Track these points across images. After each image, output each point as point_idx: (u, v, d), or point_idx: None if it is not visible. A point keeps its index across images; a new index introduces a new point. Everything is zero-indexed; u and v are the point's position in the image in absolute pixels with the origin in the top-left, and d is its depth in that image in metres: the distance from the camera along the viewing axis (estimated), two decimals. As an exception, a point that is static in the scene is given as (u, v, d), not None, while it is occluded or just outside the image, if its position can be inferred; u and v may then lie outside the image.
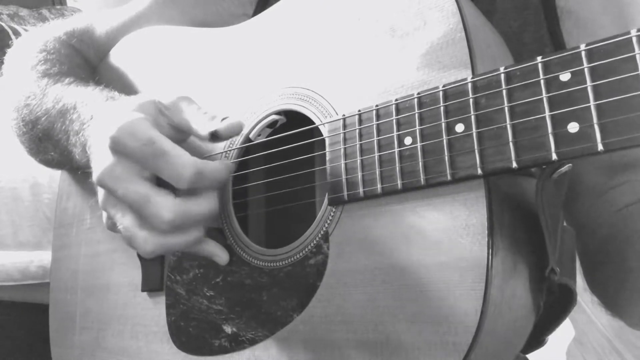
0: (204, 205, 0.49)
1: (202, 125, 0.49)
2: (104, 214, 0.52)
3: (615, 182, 0.59)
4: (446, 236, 0.40)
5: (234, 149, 0.58)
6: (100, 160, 0.48)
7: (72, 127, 0.59)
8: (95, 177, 0.49)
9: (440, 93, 0.41)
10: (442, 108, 0.41)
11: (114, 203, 0.49)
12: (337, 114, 0.49)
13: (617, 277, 0.55)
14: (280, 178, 0.55)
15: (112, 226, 0.50)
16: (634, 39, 0.33)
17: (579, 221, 0.61)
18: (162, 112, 0.50)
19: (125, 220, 0.48)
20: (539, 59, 0.37)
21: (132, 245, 0.49)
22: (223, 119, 0.49)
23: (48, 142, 0.67)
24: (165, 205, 0.46)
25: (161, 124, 0.50)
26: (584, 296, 0.60)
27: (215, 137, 0.49)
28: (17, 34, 1.61)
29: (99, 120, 0.54)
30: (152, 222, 0.46)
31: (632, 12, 0.59)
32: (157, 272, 0.63)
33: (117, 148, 0.47)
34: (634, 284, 0.53)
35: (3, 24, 1.62)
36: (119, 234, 0.50)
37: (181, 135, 0.52)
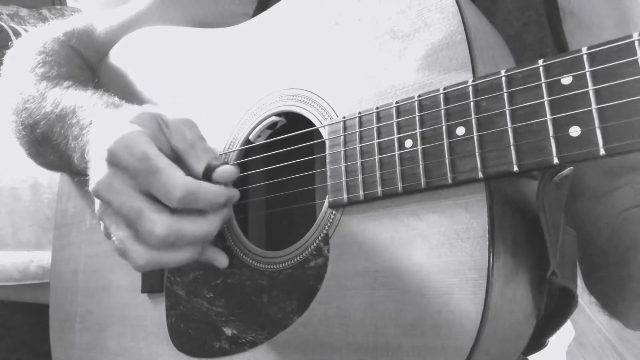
0: (202, 226, 0.48)
1: (199, 159, 0.50)
2: (101, 223, 0.51)
3: (615, 185, 0.58)
4: (447, 240, 0.40)
5: (233, 151, 0.58)
6: (97, 171, 0.48)
7: (71, 132, 0.59)
8: (91, 187, 0.48)
9: (441, 96, 0.41)
10: (442, 111, 0.41)
11: (110, 214, 0.49)
12: (337, 116, 0.49)
13: (617, 282, 0.54)
14: (280, 180, 0.55)
15: (108, 236, 0.50)
16: (636, 43, 0.33)
17: (579, 222, 0.61)
18: (162, 129, 0.50)
19: (119, 233, 0.48)
20: (540, 62, 0.37)
21: (124, 258, 0.48)
22: (221, 164, 0.50)
23: (47, 145, 0.67)
24: (158, 221, 0.45)
25: (160, 139, 0.50)
26: (584, 296, 0.60)
27: (207, 177, 0.49)
28: (17, 34, 1.61)
29: (98, 127, 0.54)
30: (144, 236, 0.46)
31: (633, 14, 0.59)
32: (157, 274, 0.63)
33: (113, 161, 0.47)
34: (634, 289, 0.53)
35: (3, 24, 1.61)
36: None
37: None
